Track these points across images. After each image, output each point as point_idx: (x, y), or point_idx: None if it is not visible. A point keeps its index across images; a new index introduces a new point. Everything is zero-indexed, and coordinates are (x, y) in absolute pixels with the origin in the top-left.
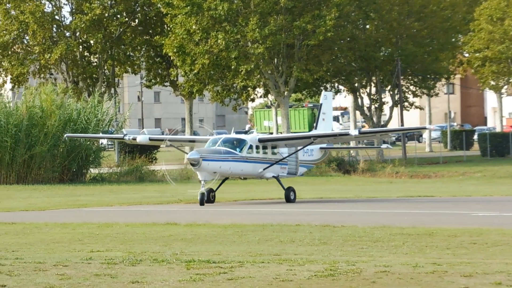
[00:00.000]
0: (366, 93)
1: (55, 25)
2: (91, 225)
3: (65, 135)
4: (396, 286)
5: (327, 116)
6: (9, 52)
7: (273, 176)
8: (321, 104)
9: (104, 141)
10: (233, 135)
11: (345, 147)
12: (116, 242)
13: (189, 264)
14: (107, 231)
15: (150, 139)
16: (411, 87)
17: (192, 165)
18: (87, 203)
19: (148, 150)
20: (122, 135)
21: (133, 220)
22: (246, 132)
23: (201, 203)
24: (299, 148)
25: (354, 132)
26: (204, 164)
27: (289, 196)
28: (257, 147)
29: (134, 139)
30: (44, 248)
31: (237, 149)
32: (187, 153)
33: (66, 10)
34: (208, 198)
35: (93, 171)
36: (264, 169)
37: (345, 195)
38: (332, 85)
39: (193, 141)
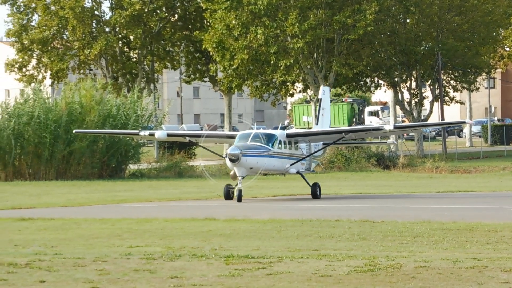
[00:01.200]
0: (406, 88)
1: (94, 21)
2: (130, 221)
3: (74, 131)
4: (436, 282)
5: (326, 111)
6: (49, 48)
7: (297, 172)
8: (320, 99)
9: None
10: (263, 130)
11: (345, 142)
12: (155, 238)
13: (228, 260)
14: (146, 226)
15: (168, 135)
16: (452, 82)
17: (232, 160)
18: (126, 199)
19: (187, 146)
20: (138, 131)
21: (172, 216)
22: (284, 128)
23: (239, 199)
24: (330, 142)
25: (389, 126)
26: (243, 159)
27: (316, 192)
28: (284, 142)
29: (152, 134)
30: (83, 244)
31: (269, 144)
32: (211, 151)
33: (105, 6)
34: (228, 194)
35: (132, 167)
36: (290, 165)
37: (385, 191)
38: (372, 79)
39: (216, 137)
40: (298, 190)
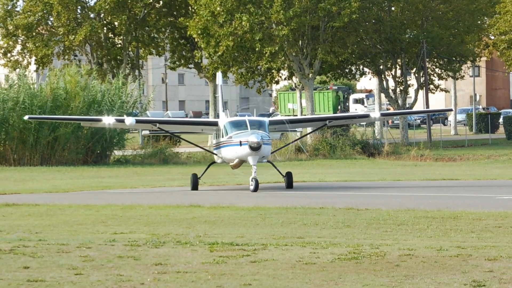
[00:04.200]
0: (391, 76)
1: (79, 7)
2: (115, 207)
3: (26, 117)
4: (420, 270)
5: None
6: (34, 34)
7: (268, 161)
8: (221, 86)
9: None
10: (253, 117)
11: None
12: (139, 224)
13: (212, 247)
14: (130, 213)
15: (137, 122)
16: (437, 70)
17: (254, 149)
18: (111, 185)
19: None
20: (100, 117)
21: (157, 202)
22: (269, 115)
23: (256, 189)
24: (313, 130)
25: (375, 114)
26: (262, 148)
27: (292, 182)
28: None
29: (121, 121)
30: (68, 230)
31: (266, 131)
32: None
33: None
34: (196, 185)
35: (117, 153)
36: (271, 153)
37: (370, 178)
38: (357, 67)
39: (187, 123)
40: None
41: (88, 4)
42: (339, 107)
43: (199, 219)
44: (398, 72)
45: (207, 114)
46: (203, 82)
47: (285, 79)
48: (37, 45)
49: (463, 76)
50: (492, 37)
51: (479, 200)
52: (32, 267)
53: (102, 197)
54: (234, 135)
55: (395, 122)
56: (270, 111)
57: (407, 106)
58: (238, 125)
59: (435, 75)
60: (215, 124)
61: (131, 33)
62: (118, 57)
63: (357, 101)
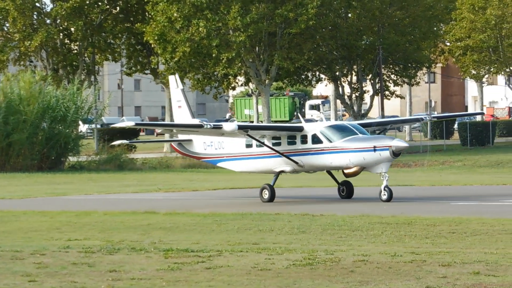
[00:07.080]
0: (347, 82)
1: (35, 12)
2: (70, 214)
3: (131, 123)
4: (375, 275)
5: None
6: None
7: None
8: (182, 90)
9: (84, 129)
10: (350, 122)
11: None
12: (94, 231)
13: (167, 253)
14: (85, 219)
15: (240, 128)
16: (392, 76)
17: (397, 155)
18: (66, 192)
19: (127, 138)
20: (201, 124)
21: (112, 209)
22: (226, 121)
23: (390, 199)
24: (382, 132)
25: (428, 116)
26: None
27: (352, 192)
28: None
29: (218, 127)
30: (22, 237)
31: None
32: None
33: None
34: (274, 196)
35: (72, 159)
36: None
37: (325, 184)
38: (313, 73)
39: (273, 129)
40: (240, 184)
41: (44, 10)
42: (295, 113)
43: (155, 226)
44: (354, 78)
45: (163, 119)
46: (159, 88)
47: (241, 85)
48: None
49: (419, 82)
50: (448, 44)
51: (433, 205)
52: None
53: (57, 203)
54: (347, 141)
55: None
56: (227, 117)
57: (363, 112)
58: (343, 130)
59: (390, 81)
60: (300, 129)
61: (87, 39)
62: (74, 63)
63: (313, 107)
